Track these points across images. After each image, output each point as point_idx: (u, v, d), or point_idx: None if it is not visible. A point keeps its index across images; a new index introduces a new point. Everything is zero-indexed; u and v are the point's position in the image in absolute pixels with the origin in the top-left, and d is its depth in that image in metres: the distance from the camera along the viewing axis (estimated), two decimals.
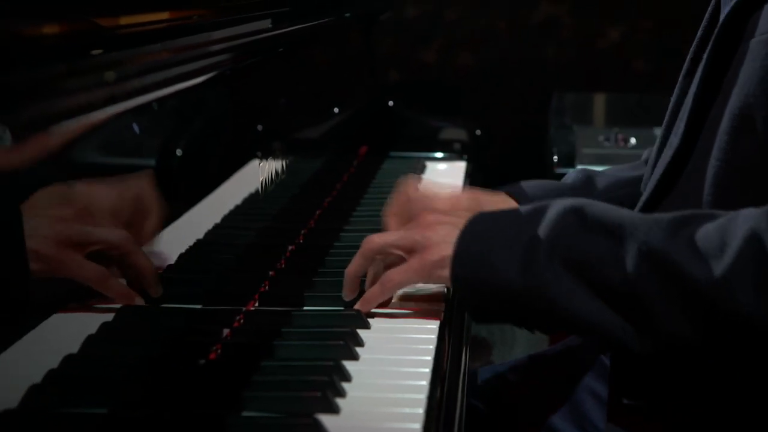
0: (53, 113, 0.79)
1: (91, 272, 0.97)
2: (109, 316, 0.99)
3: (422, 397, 0.88)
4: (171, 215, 1.12)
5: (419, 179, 1.59)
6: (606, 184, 1.28)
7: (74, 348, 0.92)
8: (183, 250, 1.15)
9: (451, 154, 2.02)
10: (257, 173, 1.36)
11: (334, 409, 0.84)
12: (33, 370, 0.86)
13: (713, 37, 1.03)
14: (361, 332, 1.00)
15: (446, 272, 0.99)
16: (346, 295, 1.08)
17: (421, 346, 0.99)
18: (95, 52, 0.87)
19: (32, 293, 0.90)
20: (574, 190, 1.28)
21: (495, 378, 1.34)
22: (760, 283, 0.84)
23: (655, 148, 1.15)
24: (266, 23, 1.32)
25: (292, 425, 0.81)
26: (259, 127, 1.43)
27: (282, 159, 1.46)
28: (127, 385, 0.87)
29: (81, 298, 1.01)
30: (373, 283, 1.07)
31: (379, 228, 1.26)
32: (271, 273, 1.19)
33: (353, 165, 1.86)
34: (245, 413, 0.83)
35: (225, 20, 1.19)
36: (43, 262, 0.91)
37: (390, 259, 1.06)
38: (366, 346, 0.99)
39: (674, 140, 1.07)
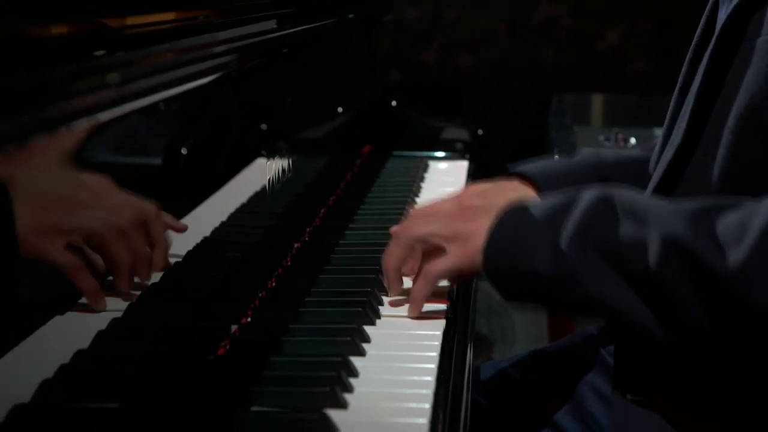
0: (60, 114, 0.80)
1: (65, 260, 0.95)
2: (117, 314, 1.00)
3: (428, 392, 0.89)
4: (178, 214, 1.13)
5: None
6: (615, 162, 1.29)
7: (83, 346, 0.93)
8: (191, 248, 1.16)
9: (453, 154, 2.03)
10: (263, 172, 1.37)
11: (342, 404, 0.85)
12: (41, 369, 0.87)
13: (715, 37, 1.03)
14: (367, 328, 1.01)
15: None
16: (393, 291, 1.10)
17: (426, 342, 1.01)
18: (103, 52, 0.88)
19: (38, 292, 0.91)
20: (584, 169, 1.28)
21: (497, 374, 1.35)
22: None
23: (657, 147, 1.16)
24: (272, 24, 1.33)
25: (300, 420, 0.82)
26: (264, 127, 1.44)
27: (287, 158, 1.47)
28: (137, 380, 0.88)
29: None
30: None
31: (383, 225, 1.28)
32: (278, 270, 1.20)
33: (357, 164, 1.87)
34: (254, 408, 0.84)
35: (231, 21, 1.20)
36: (22, 244, 0.91)
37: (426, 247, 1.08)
38: (372, 342, 1.00)
39: (676, 139, 1.07)
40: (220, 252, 1.22)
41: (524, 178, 1.26)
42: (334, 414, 0.82)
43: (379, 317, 1.07)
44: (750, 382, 0.99)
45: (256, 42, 1.27)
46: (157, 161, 1.15)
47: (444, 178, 1.86)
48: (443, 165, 1.98)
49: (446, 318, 1.07)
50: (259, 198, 1.36)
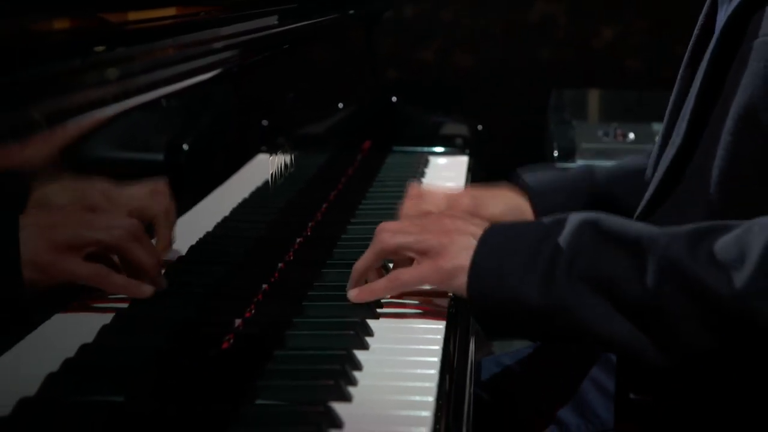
0: (60, 110, 0.80)
1: (88, 271, 0.95)
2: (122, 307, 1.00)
3: (432, 385, 0.89)
4: (181, 208, 1.13)
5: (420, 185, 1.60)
6: (608, 175, 1.29)
7: (88, 340, 0.93)
8: (194, 243, 1.16)
9: (453, 149, 2.03)
10: (265, 167, 1.37)
11: (346, 397, 0.85)
12: (47, 363, 0.86)
13: (715, 38, 1.03)
14: (371, 322, 1.02)
15: (459, 281, 1.00)
16: (351, 290, 1.09)
17: (429, 336, 1.01)
18: (104, 48, 0.88)
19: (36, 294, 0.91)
20: (576, 183, 1.29)
21: (498, 368, 1.35)
22: None
23: (655, 148, 1.16)
24: (273, 20, 1.34)
25: (305, 413, 0.82)
26: (265, 123, 1.44)
27: (288, 153, 1.47)
28: (141, 374, 0.88)
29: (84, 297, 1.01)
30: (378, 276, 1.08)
31: (385, 220, 1.28)
32: (280, 264, 1.20)
33: (357, 159, 1.87)
34: (259, 401, 0.85)
35: (233, 16, 1.20)
36: (40, 270, 0.90)
37: (398, 257, 1.08)
38: (375, 336, 1.00)
39: (677, 139, 1.07)
40: (223, 247, 1.22)
41: (518, 185, 1.27)
42: (339, 407, 0.83)
43: (383, 311, 1.07)
44: (750, 382, 0.99)
45: (257, 38, 1.27)
46: (159, 157, 1.15)
47: (444, 173, 1.87)
48: (443, 160, 1.99)
49: (448, 312, 1.07)
50: (261, 193, 1.36)
